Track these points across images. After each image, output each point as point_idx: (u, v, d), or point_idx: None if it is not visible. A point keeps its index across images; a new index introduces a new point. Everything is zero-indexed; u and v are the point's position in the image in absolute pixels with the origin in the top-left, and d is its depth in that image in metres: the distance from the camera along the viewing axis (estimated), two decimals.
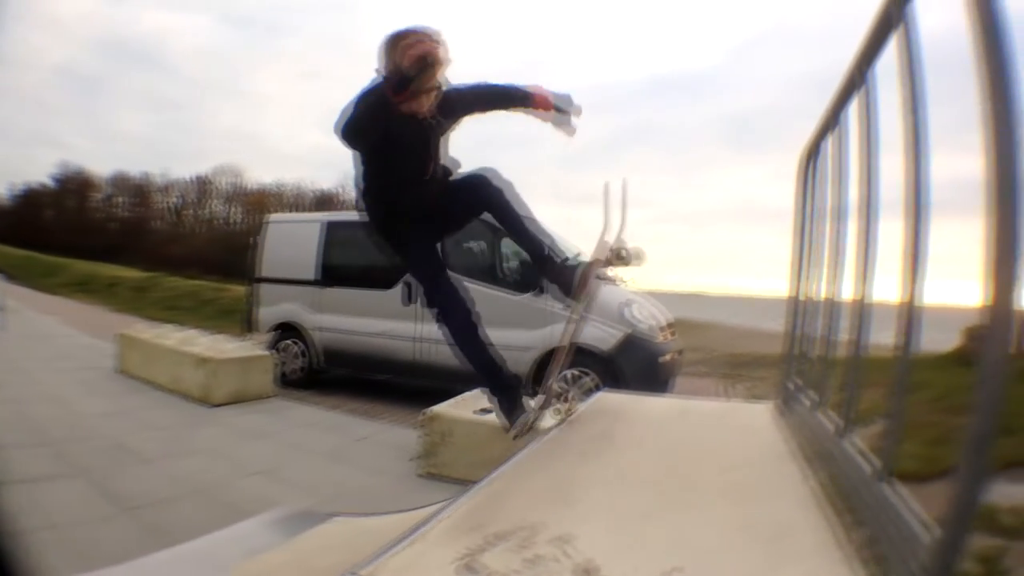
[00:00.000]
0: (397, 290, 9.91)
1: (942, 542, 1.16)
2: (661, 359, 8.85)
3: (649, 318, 9.11)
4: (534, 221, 3.77)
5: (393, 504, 4.78)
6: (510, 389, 3.63)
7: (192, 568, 3.72)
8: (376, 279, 10.19)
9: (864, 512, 1.74)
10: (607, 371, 8.49)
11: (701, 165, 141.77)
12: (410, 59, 2.87)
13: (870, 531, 1.68)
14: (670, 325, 9.61)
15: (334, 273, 10.79)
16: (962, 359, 14.88)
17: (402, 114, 2.97)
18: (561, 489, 2.15)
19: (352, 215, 12.84)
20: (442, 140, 3.29)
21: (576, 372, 8.33)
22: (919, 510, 1.45)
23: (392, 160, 3.19)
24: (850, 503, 1.90)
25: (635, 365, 8.55)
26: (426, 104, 3.02)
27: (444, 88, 3.08)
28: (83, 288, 36.98)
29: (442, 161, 3.38)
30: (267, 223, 12.15)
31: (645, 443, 2.83)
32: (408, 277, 9.47)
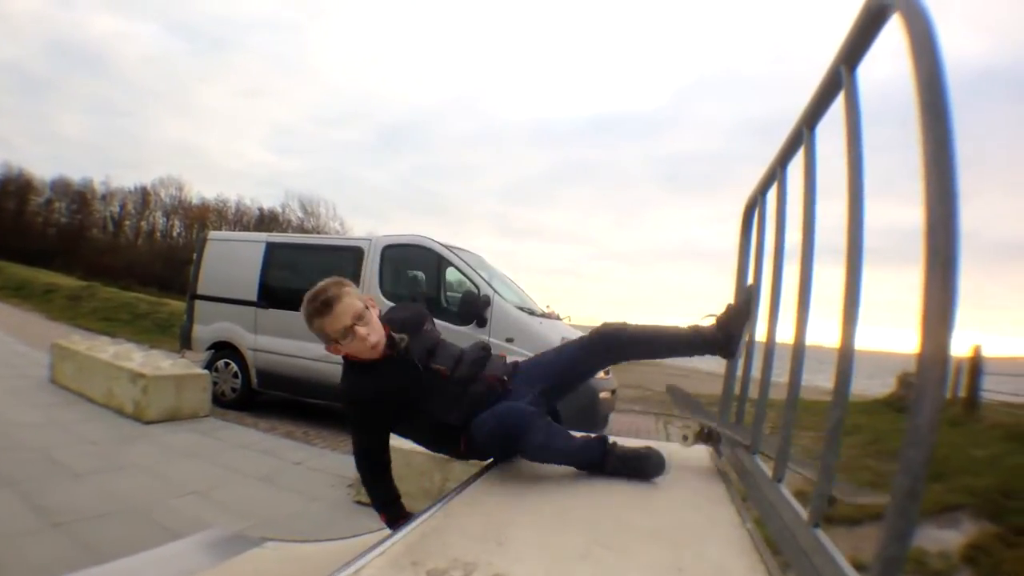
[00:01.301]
0: None
1: None
2: (599, 396, 8.83)
3: None
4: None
5: (328, 531, 4.91)
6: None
7: None
8: None
9: (798, 556, 1.76)
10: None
11: (640, 205, 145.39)
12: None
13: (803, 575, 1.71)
14: None
15: (274, 294, 10.68)
16: (895, 404, 15.43)
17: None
18: (496, 528, 2.13)
19: (294, 237, 12.80)
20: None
21: None
22: (843, 560, 1.47)
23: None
24: (783, 547, 1.93)
25: (572, 402, 8.46)
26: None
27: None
28: (18, 293, 36.45)
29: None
30: (208, 239, 12.03)
31: (579, 483, 2.83)
32: None
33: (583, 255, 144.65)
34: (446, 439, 2.91)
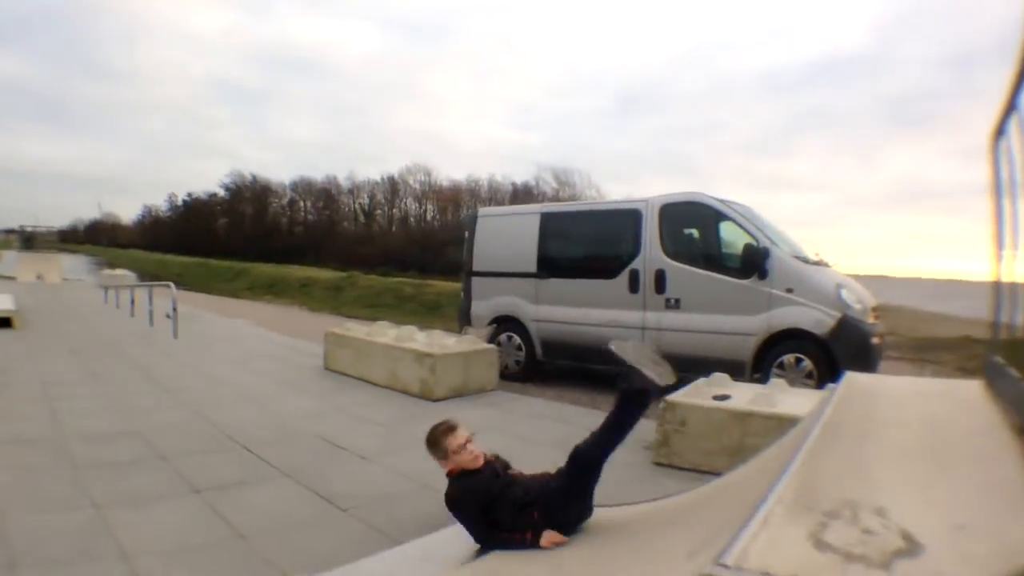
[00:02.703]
0: (623, 279, 10.24)
1: None
2: (872, 341, 8.92)
3: (861, 300, 9.17)
4: None
5: (630, 494, 4.87)
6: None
7: (421, 567, 4.00)
8: (598, 269, 10.63)
9: None
10: (823, 355, 8.67)
11: (870, 147, 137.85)
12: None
13: None
14: (876, 307, 9.60)
15: (553, 264, 11.15)
16: None
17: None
18: (857, 467, 2.35)
19: (568, 205, 13.25)
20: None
21: (793, 358, 8.74)
22: None
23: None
24: None
25: (850, 348, 8.62)
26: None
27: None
28: (271, 290, 38.89)
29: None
30: (479, 217, 12.59)
31: (904, 419, 3.00)
32: (635, 265, 10.05)
33: (825, 202, 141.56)
34: (523, 514, 3.98)
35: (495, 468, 4.21)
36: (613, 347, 4.37)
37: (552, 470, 4.19)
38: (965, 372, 13.52)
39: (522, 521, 3.99)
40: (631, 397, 4.21)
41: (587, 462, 4.13)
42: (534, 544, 3.91)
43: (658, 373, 4.24)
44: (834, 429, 2.86)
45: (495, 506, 4.04)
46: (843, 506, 1.99)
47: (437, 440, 4.23)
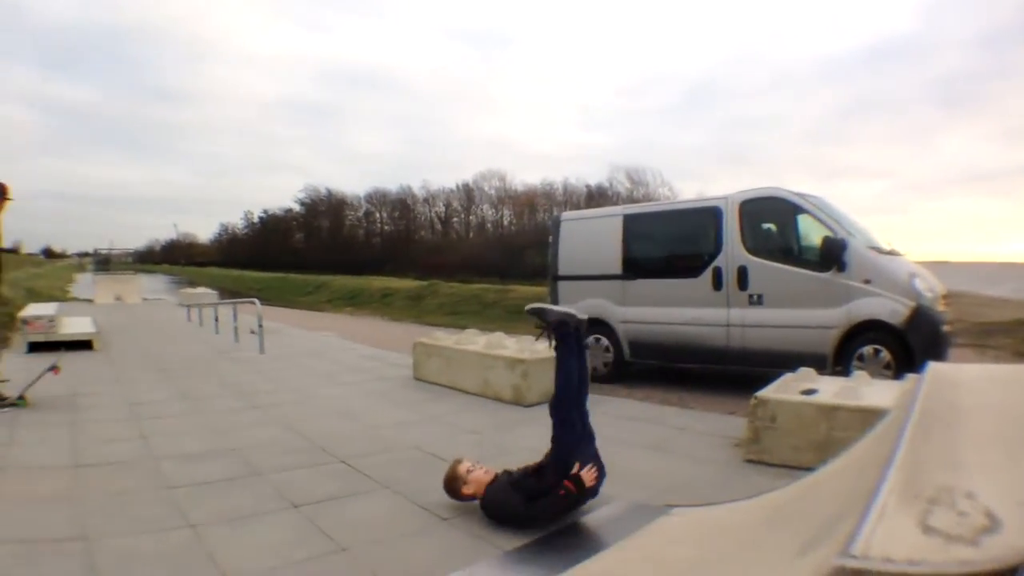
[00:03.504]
0: (706, 276, 10.35)
1: None
2: (944, 329, 9.02)
3: (932, 288, 9.22)
4: None
5: (726, 493, 4.98)
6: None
7: (533, 568, 4.04)
8: (682, 268, 10.76)
9: None
10: (899, 345, 8.74)
11: (922, 131, 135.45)
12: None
13: None
14: (944, 294, 9.60)
15: (638, 265, 11.29)
16: None
17: None
18: (949, 455, 2.41)
19: (650, 206, 13.39)
20: None
21: (872, 349, 8.83)
22: None
23: None
24: None
25: (924, 337, 8.71)
26: None
27: None
28: (351, 302, 39.51)
29: None
30: (561, 221, 12.78)
31: (983, 406, 3.08)
32: (718, 262, 10.19)
33: (885, 189, 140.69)
34: (552, 475, 4.87)
35: (506, 471, 5.09)
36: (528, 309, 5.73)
37: (648, 475, 4.61)
38: (1021, 356, 13.96)
39: (555, 479, 4.78)
40: (556, 331, 5.33)
41: (555, 405, 5.17)
42: (580, 490, 4.76)
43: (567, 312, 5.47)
44: (926, 419, 2.94)
45: (521, 484, 4.86)
46: (942, 492, 2.09)
47: (451, 486, 5.11)
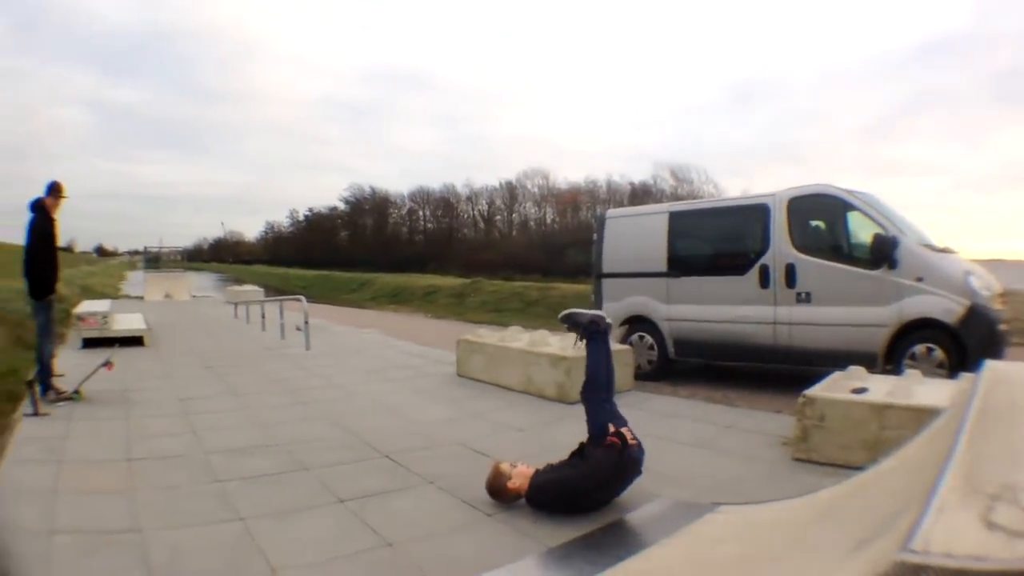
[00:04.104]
0: (753, 274, 10.28)
1: None
2: (1000, 327, 8.84)
3: (988, 286, 9.04)
4: None
5: (773, 491, 4.94)
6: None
7: (577, 565, 4.02)
8: (728, 265, 10.69)
9: None
10: (953, 343, 8.61)
11: (977, 127, 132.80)
12: None
13: None
14: (1001, 293, 9.43)
15: (684, 262, 11.23)
16: None
17: None
18: (1011, 452, 2.39)
19: (696, 204, 13.39)
20: None
21: (924, 348, 8.73)
22: None
23: None
24: None
25: (979, 335, 8.56)
26: None
27: None
28: (395, 299, 39.84)
29: None
30: (606, 219, 12.77)
31: None
32: (765, 260, 10.08)
33: (939, 186, 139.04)
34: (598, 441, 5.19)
35: (548, 464, 5.29)
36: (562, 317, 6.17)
37: (694, 473, 4.72)
38: None
39: (601, 442, 5.13)
40: (587, 330, 5.85)
41: (586, 388, 5.61)
42: (624, 443, 5.11)
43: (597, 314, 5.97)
44: (985, 417, 2.91)
45: (566, 462, 5.22)
46: (1004, 489, 2.06)
47: (496, 489, 5.17)
